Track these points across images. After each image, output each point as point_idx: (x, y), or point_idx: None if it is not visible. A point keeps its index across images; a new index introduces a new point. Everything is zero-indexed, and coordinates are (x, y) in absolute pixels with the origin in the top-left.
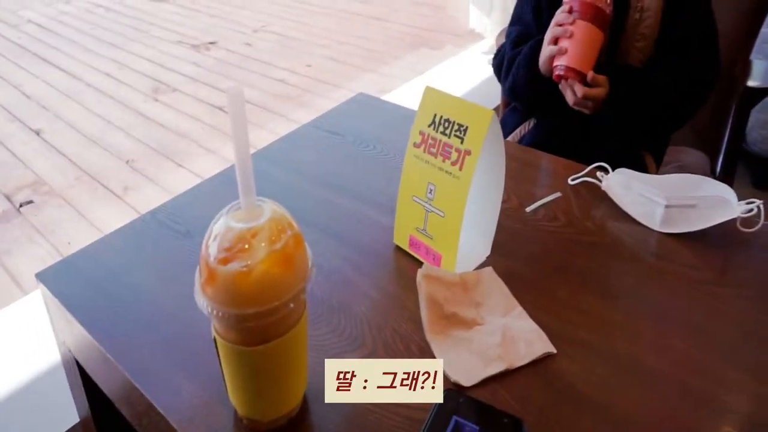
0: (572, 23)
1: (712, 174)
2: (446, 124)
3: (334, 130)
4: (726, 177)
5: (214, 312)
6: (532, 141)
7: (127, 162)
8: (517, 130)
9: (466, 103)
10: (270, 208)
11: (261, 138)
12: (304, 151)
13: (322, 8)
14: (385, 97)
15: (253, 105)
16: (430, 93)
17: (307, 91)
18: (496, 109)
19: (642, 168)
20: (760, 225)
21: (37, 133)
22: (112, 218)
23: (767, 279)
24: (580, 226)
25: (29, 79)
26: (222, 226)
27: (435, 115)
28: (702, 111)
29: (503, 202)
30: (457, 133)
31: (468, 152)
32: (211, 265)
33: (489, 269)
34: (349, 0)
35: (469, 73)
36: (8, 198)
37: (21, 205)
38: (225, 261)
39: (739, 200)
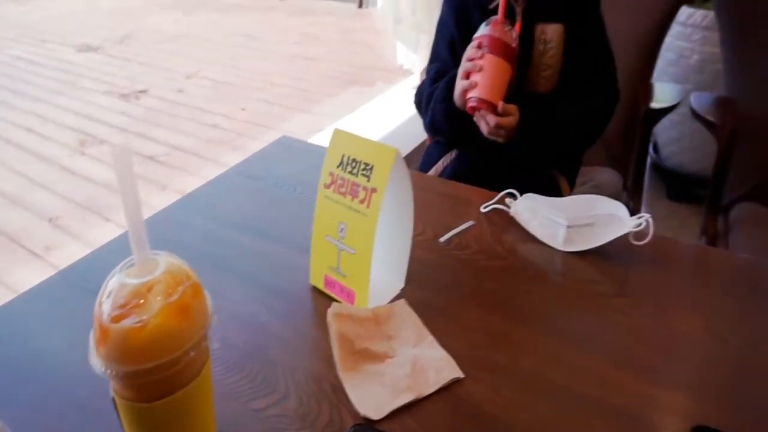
0: (481, 57)
1: (624, 189)
2: (353, 164)
3: (256, 175)
4: (635, 191)
5: (108, 371)
6: (453, 172)
7: (50, 220)
8: (440, 162)
9: (371, 143)
10: (165, 261)
11: (192, 185)
12: (226, 197)
13: (258, 51)
14: (317, 136)
15: (184, 152)
16: (337, 135)
17: (241, 135)
18: (424, 142)
19: (556, 190)
20: (649, 237)
21: None
22: (33, 280)
23: (659, 288)
24: (491, 251)
25: None
26: (116, 283)
27: (343, 156)
28: (612, 132)
29: (418, 234)
30: (364, 172)
31: (374, 190)
32: (104, 324)
33: (402, 302)
34: (284, 42)
35: (398, 108)
36: None
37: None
38: (118, 318)
39: (656, 211)
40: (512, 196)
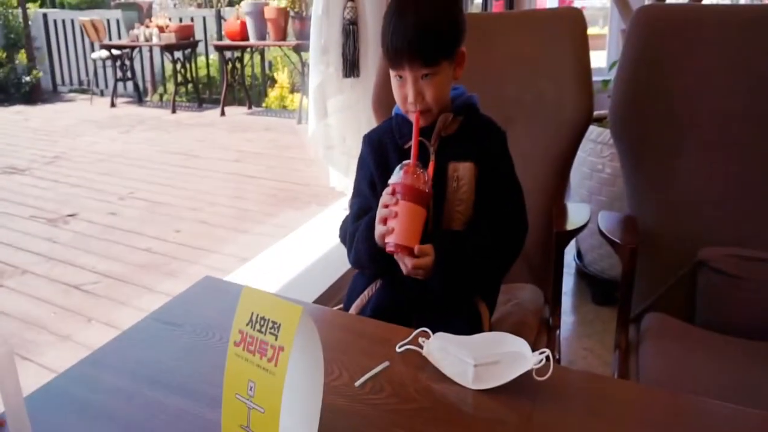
0: (396, 204)
1: (545, 303)
2: (262, 322)
3: (173, 321)
4: (554, 305)
5: None
6: (377, 302)
7: None
8: (365, 292)
9: (279, 301)
10: None
11: (120, 316)
12: (140, 348)
13: (196, 170)
14: (252, 262)
15: (114, 279)
16: (247, 293)
17: (175, 259)
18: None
19: (477, 315)
20: (550, 373)
21: None
22: None
23: (560, 423)
24: (404, 394)
25: None
26: None
27: (252, 314)
28: (531, 250)
29: (334, 378)
30: (272, 330)
31: (282, 348)
32: None
33: None
34: (223, 160)
35: (334, 230)
36: None
37: None
38: None
39: (582, 315)
40: (426, 334)
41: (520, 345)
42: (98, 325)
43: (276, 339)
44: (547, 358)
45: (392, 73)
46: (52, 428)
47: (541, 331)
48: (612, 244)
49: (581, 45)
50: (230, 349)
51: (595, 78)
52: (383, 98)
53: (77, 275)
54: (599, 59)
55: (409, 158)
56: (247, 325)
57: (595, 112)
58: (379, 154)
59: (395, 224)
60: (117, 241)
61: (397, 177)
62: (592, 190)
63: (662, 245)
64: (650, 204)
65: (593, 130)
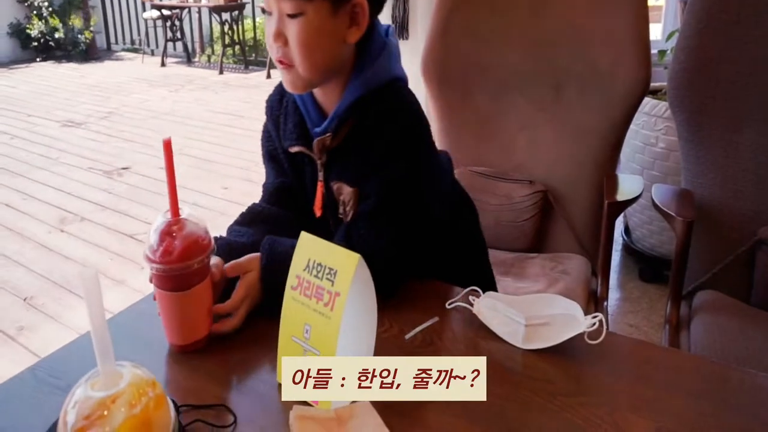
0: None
1: (593, 275)
2: (318, 268)
3: None
4: (603, 277)
5: None
6: None
7: (25, 299)
8: None
9: (335, 248)
10: (130, 373)
11: None
12: None
13: (242, 129)
14: None
15: None
16: (304, 239)
17: (222, 214)
18: None
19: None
20: (602, 337)
21: None
22: (3, 364)
23: (610, 386)
24: (453, 348)
25: None
26: (81, 395)
27: (309, 260)
28: (580, 221)
29: (384, 330)
30: (328, 276)
31: (338, 294)
32: None
33: (365, 402)
34: None
35: None
36: None
37: None
38: (83, 430)
39: (628, 292)
40: (476, 293)
41: (573, 308)
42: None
43: (332, 285)
44: (600, 322)
45: (262, 6)
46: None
47: (588, 301)
48: (666, 218)
49: (640, 11)
50: (287, 293)
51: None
52: (433, 61)
53: (131, 225)
54: (654, 31)
55: (298, 165)
56: (304, 270)
57: (651, 84)
58: (272, 154)
59: (165, 321)
60: (167, 194)
61: (153, 243)
62: (644, 165)
63: (719, 221)
64: (708, 178)
65: (647, 102)
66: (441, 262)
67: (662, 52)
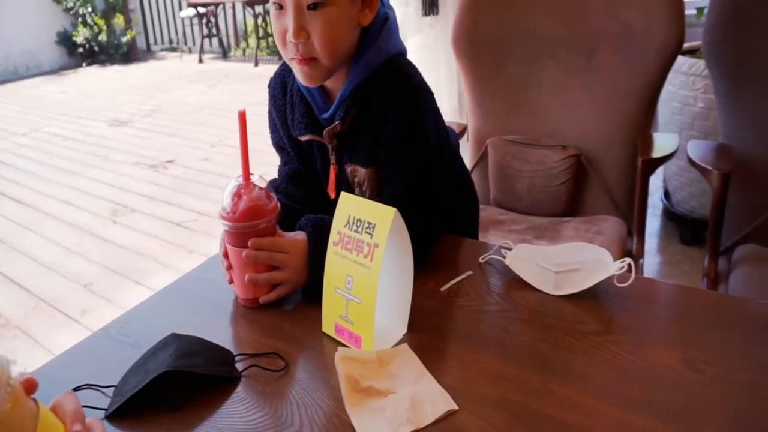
0: (226, 252)
1: (629, 235)
2: (358, 224)
3: None
4: (639, 236)
5: None
6: None
7: (85, 286)
8: None
9: (373, 204)
10: None
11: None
12: None
13: None
14: None
15: (210, 218)
16: (344, 198)
17: None
18: None
19: None
20: (631, 280)
21: None
22: (70, 343)
23: (640, 326)
24: (487, 298)
25: None
26: None
27: (349, 216)
28: (614, 181)
29: (421, 284)
30: (367, 230)
31: (376, 245)
32: None
33: (404, 346)
34: None
35: None
36: None
37: None
38: None
39: (669, 256)
40: (507, 247)
41: (602, 253)
42: (197, 256)
43: (371, 237)
44: (629, 265)
45: (271, 0)
46: (178, 317)
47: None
48: (702, 172)
49: None
50: (329, 249)
51: (689, 10)
52: (463, 37)
53: (178, 214)
54: None
55: (306, 151)
56: (345, 226)
57: (689, 44)
58: (279, 144)
59: (234, 275)
60: (210, 184)
61: (226, 204)
62: (682, 125)
63: (758, 175)
64: (746, 131)
65: (685, 62)
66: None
67: (700, 10)
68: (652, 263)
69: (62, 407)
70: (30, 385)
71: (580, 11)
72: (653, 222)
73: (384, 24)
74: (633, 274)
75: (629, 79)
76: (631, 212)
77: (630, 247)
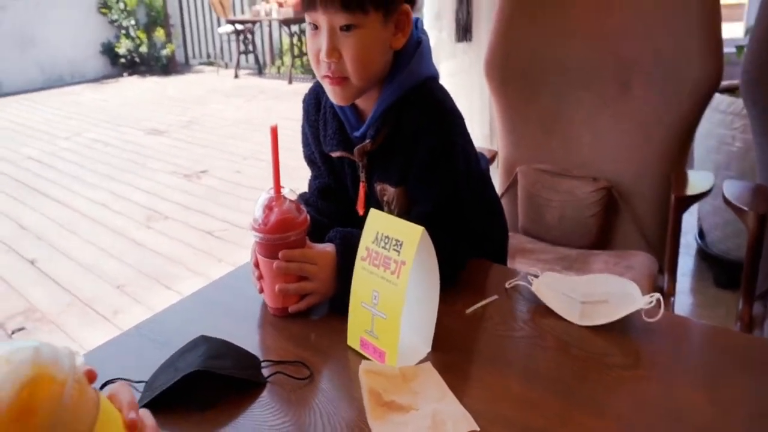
0: (256, 263)
1: (660, 273)
2: (386, 240)
3: None
4: (671, 274)
5: None
6: None
7: (118, 287)
8: None
9: (401, 222)
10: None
11: (246, 258)
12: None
13: None
14: None
15: (240, 228)
16: (373, 215)
17: None
18: None
19: None
20: (660, 315)
21: (32, 263)
22: (101, 340)
23: (667, 363)
24: (512, 323)
25: (26, 212)
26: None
27: (377, 233)
28: (646, 217)
29: (447, 305)
30: (395, 247)
31: (403, 262)
32: None
33: (427, 364)
34: None
35: None
36: (1, 325)
37: (13, 333)
38: None
39: (703, 298)
40: (534, 275)
41: (630, 287)
42: (226, 265)
43: (398, 254)
44: (658, 300)
45: (306, 20)
46: (208, 321)
47: None
48: (738, 212)
49: (711, 2)
50: (357, 264)
51: (729, 48)
52: (496, 63)
53: (210, 223)
54: (737, 29)
55: (337, 167)
56: (373, 242)
57: (727, 82)
58: (311, 158)
59: (264, 285)
60: (242, 196)
61: (258, 216)
62: (719, 165)
63: None
64: None
65: (723, 100)
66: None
67: (740, 48)
68: (684, 303)
69: (118, 397)
70: (91, 376)
71: (614, 41)
72: (687, 261)
73: (417, 48)
74: (662, 310)
75: (663, 113)
76: (663, 249)
77: (661, 284)
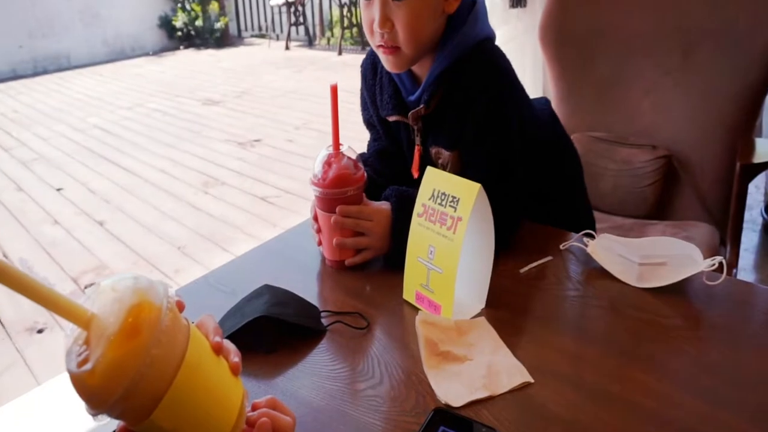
0: (315, 216)
1: (721, 245)
2: (443, 197)
3: None
4: (733, 246)
5: (94, 415)
6: None
7: (179, 248)
8: None
9: (458, 179)
10: (102, 295)
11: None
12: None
13: (359, 105)
14: None
15: (293, 195)
16: (430, 172)
17: None
18: None
19: None
20: (722, 279)
21: (101, 224)
22: None
23: (728, 324)
24: (566, 283)
25: (94, 177)
26: (76, 330)
27: (434, 190)
28: (708, 187)
29: (501, 264)
30: (451, 204)
31: (460, 218)
32: (72, 375)
33: (482, 318)
34: None
35: None
36: (75, 281)
37: (85, 287)
38: (81, 364)
39: (766, 275)
40: (590, 236)
41: (691, 249)
42: (280, 230)
43: (455, 211)
44: (720, 264)
45: None
46: (270, 272)
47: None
48: None
49: None
50: (414, 220)
51: None
52: (551, 29)
53: (263, 189)
54: None
55: (393, 131)
56: (429, 199)
57: None
58: (369, 122)
59: (323, 238)
60: (294, 164)
61: (317, 171)
62: None
63: None
64: None
65: None
66: (545, 206)
67: None
68: (747, 279)
69: (204, 324)
70: (180, 306)
71: (678, 6)
72: (751, 237)
73: (471, 9)
74: (724, 274)
75: (730, 80)
76: (725, 221)
77: (722, 256)
